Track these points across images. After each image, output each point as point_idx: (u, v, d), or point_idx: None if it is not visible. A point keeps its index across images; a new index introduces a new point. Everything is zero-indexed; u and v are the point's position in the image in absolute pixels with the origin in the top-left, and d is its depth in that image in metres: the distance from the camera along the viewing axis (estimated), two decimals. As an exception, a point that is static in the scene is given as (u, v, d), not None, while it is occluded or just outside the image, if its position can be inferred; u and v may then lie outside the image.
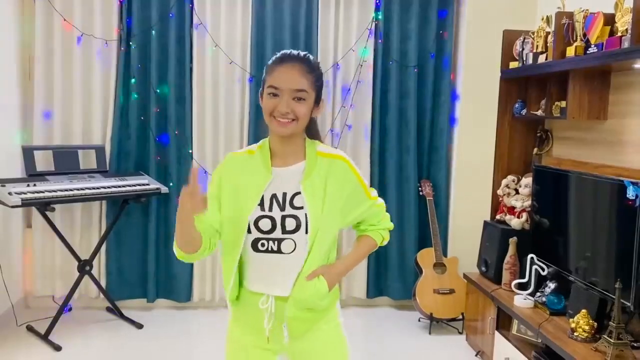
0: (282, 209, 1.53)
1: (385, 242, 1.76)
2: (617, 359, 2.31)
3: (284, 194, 1.54)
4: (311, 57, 1.56)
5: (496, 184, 3.55)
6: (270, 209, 1.53)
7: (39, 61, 3.73)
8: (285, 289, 1.54)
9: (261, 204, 1.53)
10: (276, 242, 1.52)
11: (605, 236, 2.63)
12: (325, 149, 1.61)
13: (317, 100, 1.56)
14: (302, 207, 1.52)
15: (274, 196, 1.54)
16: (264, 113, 1.53)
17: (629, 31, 2.32)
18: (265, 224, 1.52)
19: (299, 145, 1.59)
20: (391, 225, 1.74)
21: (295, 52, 1.55)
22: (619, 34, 2.44)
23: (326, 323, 1.63)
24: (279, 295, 1.54)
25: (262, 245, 1.53)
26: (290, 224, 1.52)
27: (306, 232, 1.52)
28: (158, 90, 3.83)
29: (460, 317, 3.73)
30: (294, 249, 1.52)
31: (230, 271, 1.56)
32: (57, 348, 3.28)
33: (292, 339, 1.57)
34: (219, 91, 3.90)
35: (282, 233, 1.52)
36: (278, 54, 1.55)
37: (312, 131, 1.63)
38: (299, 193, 1.54)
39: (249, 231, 1.53)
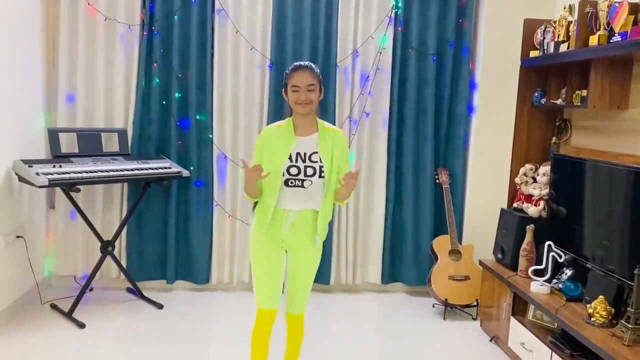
0: (304, 161, 2.39)
1: None
2: (635, 344, 2.35)
3: (305, 153, 2.40)
4: (314, 65, 2.43)
5: (514, 172, 3.58)
6: (297, 161, 2.39)
7: (63, 45, 3.80)
8: (304, 205, 2.42)
9: (290, 159, 2.38)
10: (301, 181, 2.39)
11: (623, 224, 2.66)
12: (328, 125, 2.49)
13: (321, 90, 2.41)
14: (316, 161, 2.39)
15: (298, 154, 2.39)
16: (290, 102, 2.38)
17: (655, 20, 2.34)
18: (293, 170, 2.39)
19: (312, 122, 2.44)
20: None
21: (304, 63, 2.42)
22: (644, 22, 2.46)
23: (315, 246, 2.48)
24: (300, 209, 2.42)
25: (292, 182, 2.40)
26: (309, 171, 2.39)
27: (320, 177, 2.39)
28: (179, 75, 3.88)
29: (475, 303, 3.78)
30: (311, 185, 2.40)
31: (273, 199, 2.39)
32: (81, 325, 3.37)
33: (295, 240, 2.44)
34: (239, 77, 3.95)
35: (304, 176, 2.39)
36: (292, 66, 2.41)
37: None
38: (315, 152, 2.39)
39: (283, 175, 2.37)
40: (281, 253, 2.47)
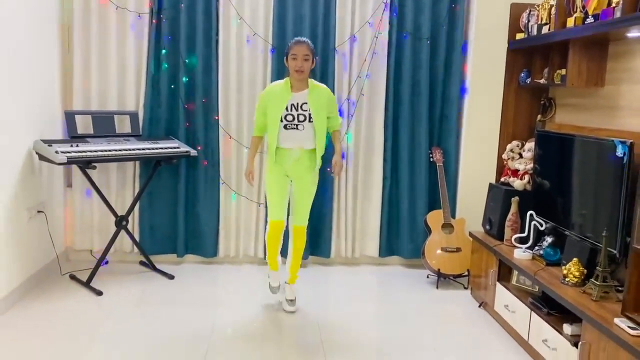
0: (297, 110, 3.29)
1: (339, 127, 3.54)
2: (602, 299, 2.58)
3: (297, 103, 3.29)
4: (309, 41, 3.28)
5: (502, 149, 3.80)
6: (291, 110, 3.29)
7: (78, 33, 4.04)
8: (301, 145, 3.32)
9: (287, 108, 3.28)
10: (296, 125, 3.30)
11: (598, 192, 2.87)
12: (316, 82, 3.37)
13: (313, 60, 3.28)
14: (306, 110, 3.29)
15: (292, 104, 3.28)
16: (290, 68, 3.28)
17: (621, 2, 2.53)
18: (289, 117, 3.30)
19: (305, 82, 3.32)
20: (340, 120, 3.54)
21: (302, 38, 3.29)
22: (613, 4, 2.65)
23: (312, 174, 3.41)
24: (299, 147, 3.32)
25: (289, 126, 3.30)
26: (301, 117, 3.30)
27: (309, 121, 3.29)
28: (187, 61, 4.12)
29: (466, 273, 4.01)
30: (304, 129, 3.31)
31: (275, 139, 3.30)
32: (99, 293, 3.65)
33: (297, 172, 3.36)
34: (243, 61, 4.18)
35: (298, 121, 3.30)
36: (294, 40, 3.29)
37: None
38: (305, 103, 3.29)
39: (281, 120, 3.29)
40: (286, 180, 3.39)
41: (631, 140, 2.60)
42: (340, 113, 4.25)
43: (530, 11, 3.49)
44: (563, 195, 3.17)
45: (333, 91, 4.20)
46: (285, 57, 3.28)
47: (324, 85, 3.37)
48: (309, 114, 3.27)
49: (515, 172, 3.66)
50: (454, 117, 4.30)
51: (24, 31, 3.49)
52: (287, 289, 3.55)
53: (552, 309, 2.87)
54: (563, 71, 3.18)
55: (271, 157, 3.33)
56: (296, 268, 3.56)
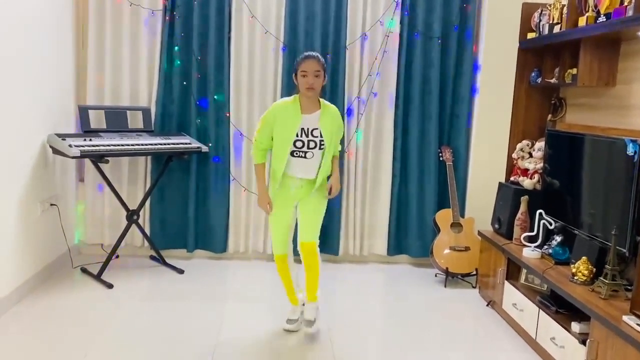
0: (307, 136, 2.93)
1: (338, 153, 3.18)
2: (611, 297, 2.58)
3: (308, 129, 2.93)
4: (320, 55, 2.94)
5: (512, 149, 3.80)
6: (301, 136, 2.93)
7: (92, 30, 4.10)
8: (306, 175, 2.99)
9: (297, 134, 2.91)
10: (304, 153, 2.95)
11: (608, 191, 2.87)
12: (327, 103, 3.01)
13: (324, 76, 2.94)
14: (317, 136, 2.94)
15: (303, 129, 2.93)
16: (299, 86, 2.92)
17: (633, 1, 2.53)
18: (298, 144, 2.94)
19: (315, 101, 2.96)
20: (340, 147, 3.20)
21: (312, 53, 2.94)
22: (626, 3, 2.65)
23: (320, 194, 3.06)
24: (302, 177, 2.99)
25: (296, 153, 2.95)
26: (311, 144, 2.94)
27: (319, 149, 2.95)
28: (199, 58, 4.16)
29: (474, 272, 4.01)
30: (313, 157, 2.96)
31: (282, 166, 2.95)
32: (109, 286, 3.69)
33: (301, 195, 3.02)
34: (254, 59, 4.21)
35: (307, 148, 2.94)
36: (303, 55, 2.92)
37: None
38: (316, 128, 2.94)
39: (290, 146, 2.92)
40: (290, 209, 3.06)
41: (642, 139, 2.60)
42: (350, 112, 4.28)
43: (541, 11, 3.49)
44: (573, 195, 3.17)
45: (343, 89, 4.22)
46: (294, 74, 2.92)
47: (334, 106, 3.03)
48: (320, 141, 2.91)
49: (525, 172, 3.66)
50: (464, 116, 4.31)
51: (39, 28, 3.54)
52: (306, 308, 3.12)
53: (561, 308, 2.87)
54: (574, 70, 3.18)
55: (273, 186, 3.00)
56: (313, 287, 3.09)
